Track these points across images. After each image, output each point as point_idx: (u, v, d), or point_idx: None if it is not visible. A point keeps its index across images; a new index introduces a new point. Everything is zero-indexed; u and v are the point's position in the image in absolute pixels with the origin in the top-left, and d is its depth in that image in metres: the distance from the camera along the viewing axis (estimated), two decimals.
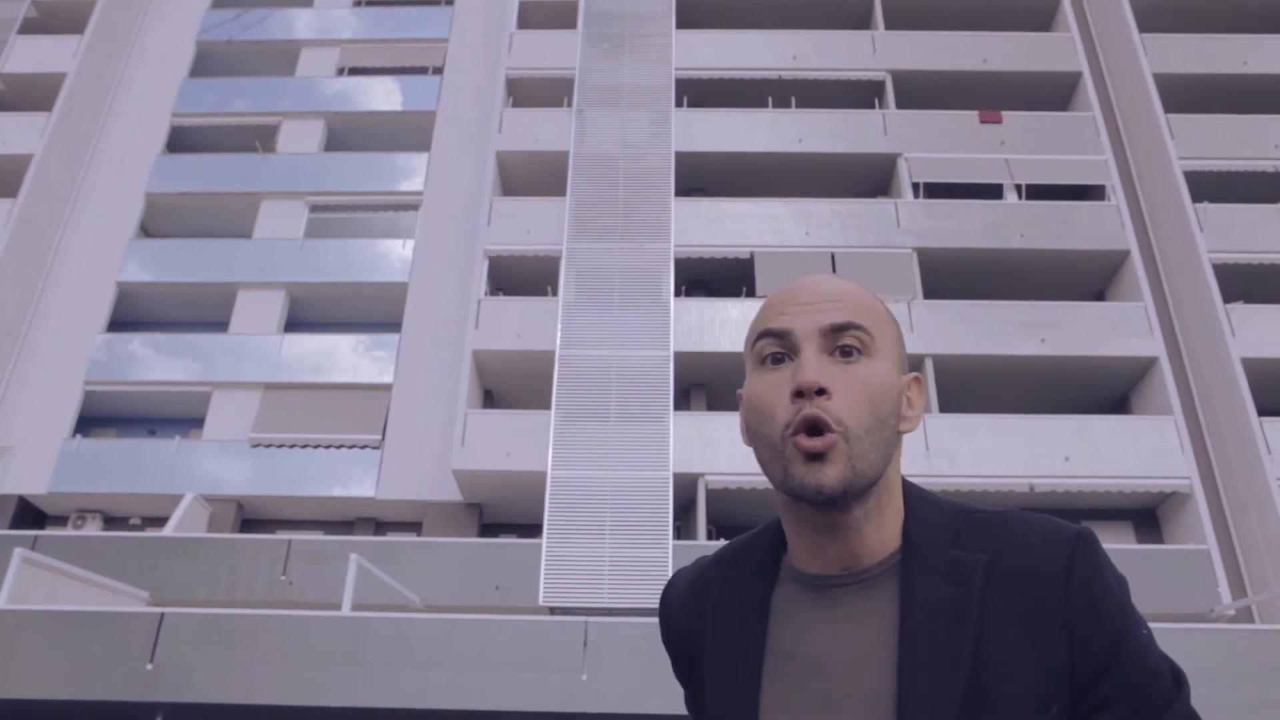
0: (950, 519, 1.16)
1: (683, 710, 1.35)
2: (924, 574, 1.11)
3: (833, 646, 1.12)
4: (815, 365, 1.08)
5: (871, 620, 1.11)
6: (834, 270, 18.26)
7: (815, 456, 1.06)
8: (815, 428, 1.06)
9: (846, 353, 1.10)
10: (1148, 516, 17.27)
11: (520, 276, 19.19)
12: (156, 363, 19.33)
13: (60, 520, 18.30)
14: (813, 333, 1.10)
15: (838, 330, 1.11)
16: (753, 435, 1.14)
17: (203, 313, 20.41)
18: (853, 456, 1.07)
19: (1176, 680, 1.14)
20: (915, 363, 17.47)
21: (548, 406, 16.94)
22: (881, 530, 1.14)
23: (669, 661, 1.32)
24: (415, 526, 17.86)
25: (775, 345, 1.12)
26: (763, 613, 1.17)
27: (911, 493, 1.18)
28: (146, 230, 21.54)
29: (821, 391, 1.07)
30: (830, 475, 1.06)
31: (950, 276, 18.54)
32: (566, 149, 19.69)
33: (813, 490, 1.06)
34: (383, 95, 22.56)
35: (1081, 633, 1.07)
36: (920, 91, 20.86)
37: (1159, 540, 16.91)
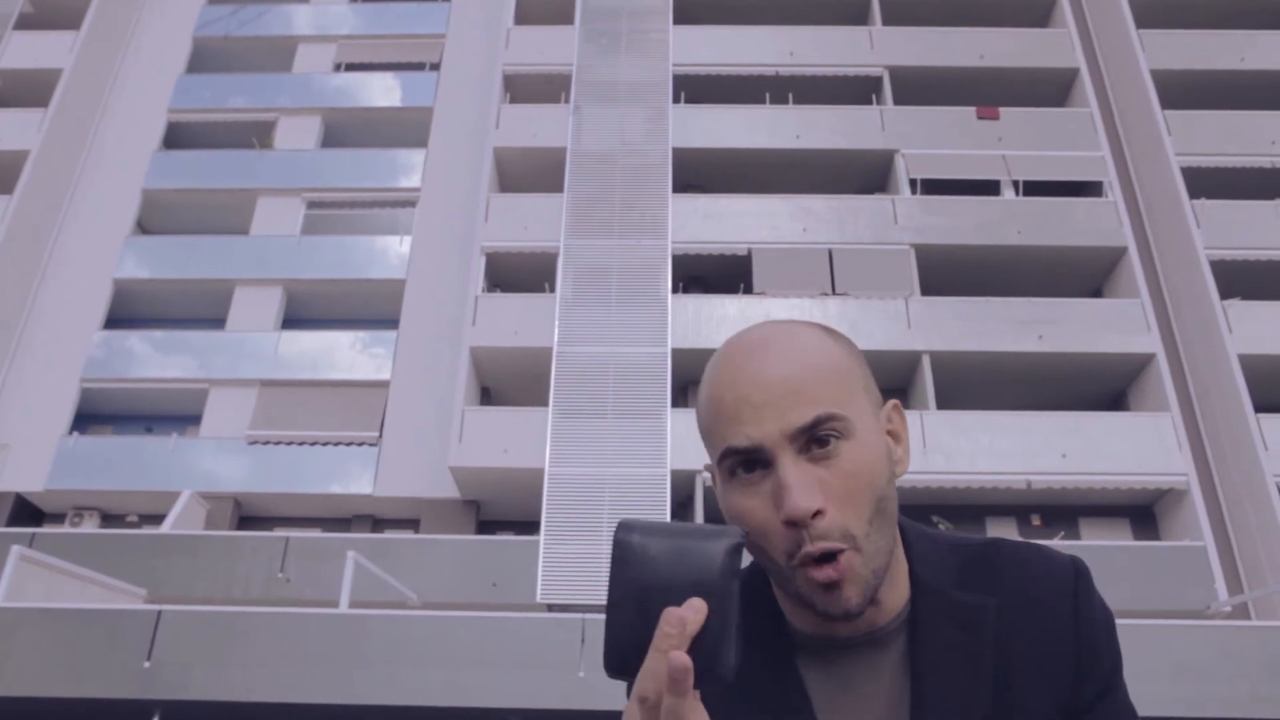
0: (948, 557, 1.11)
1: None
2: (935, 621, 1.06)
3: (853, 713, 1.06)
4: (800, 486, 0.96)
5: (887, 681, 1.07)
6: (831, 267, 18.26)
7: (834, 585, 0.98)
8: (825, 554, 0.98)
9: (824, 443, 0.98)
10: (1144, 513, 17.29)
11: (518, 273, 19.17)
12: (153, 360, 19.31)
13: (57, 518, 18.28)
14: (782, 441, 0.98)
15: (810, 429, 0.98)
16: (751, 550, 1.03)
17: (200, 310, 20.38)
18: (866, 563, 0.99)
19: None
20: (912, 359, 17.48)
21: (545, 403, 16.94)
22: (894, 588, 1.07)
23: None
24: (413, 524, 17.85)
25: (743, 459, 1.00)
26: (802, 693, 1.07)
27: (906, 529, 1.11)
28: (143, 227, 21.51)
29: (817, 514, 0.97)
30: (853, 597, 0.98)
31: (947, 273, 18.54)
32: (564, 145, 19.67)
33: (839, 616, 0.99)
34: (380, 91, 22.52)
35: (1085, 670, 1.05)
36: (918, 88, 20.85)
37: (1156, 537, 16.94)
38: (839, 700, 1.07)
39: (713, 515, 16.21)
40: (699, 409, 1.08)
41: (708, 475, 1.13)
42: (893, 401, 1.10)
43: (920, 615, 1.07)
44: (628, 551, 0.85)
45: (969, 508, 16.65)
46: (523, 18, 22.08)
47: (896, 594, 1.08)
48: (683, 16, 21.65)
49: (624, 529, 0.87)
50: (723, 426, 1.02)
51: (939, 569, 1.10)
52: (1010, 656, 1.04)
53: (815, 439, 0.98)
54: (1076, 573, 1.09)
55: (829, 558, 0.97)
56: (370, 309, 20.12)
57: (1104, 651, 1.06)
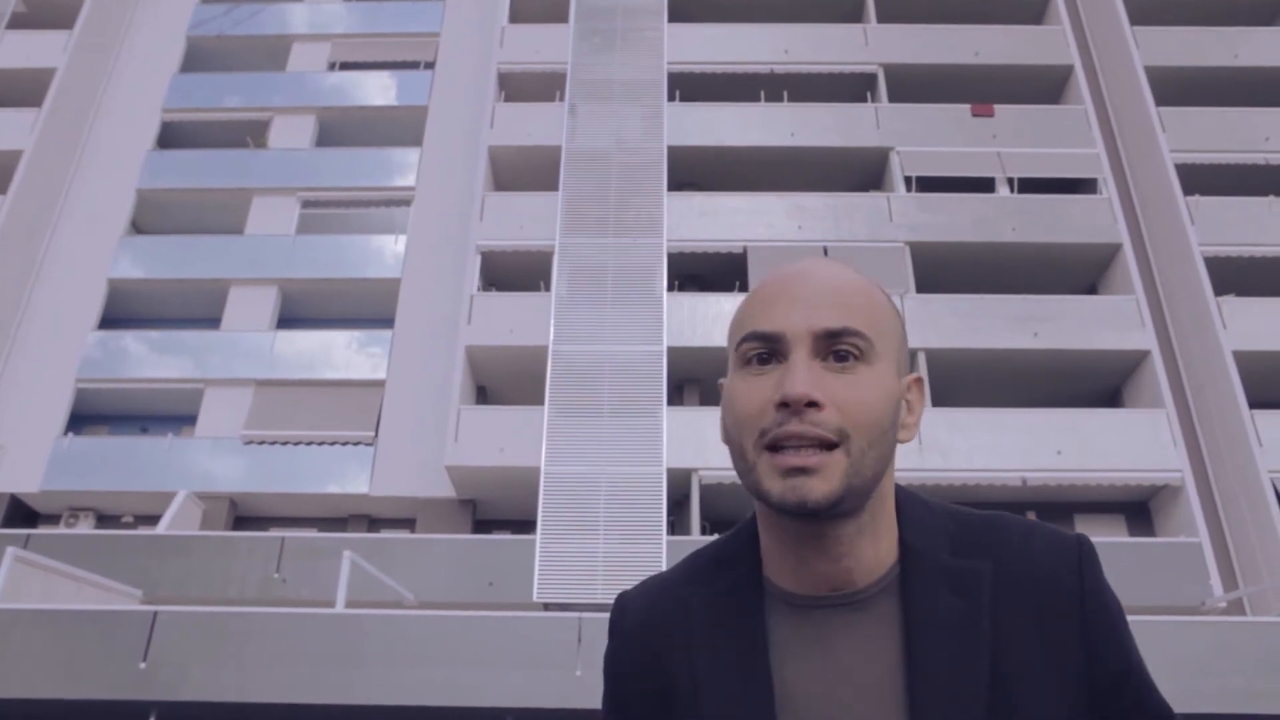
0: (943, 522, 1.09)
1: None
2: (927, 586, 1.03)
3: (831, 676, 1.03)
4: (805, 374, 0.96)
5: (870, 646, 1.03)
6: None
7: (799, 471, 0.95)
8: (805, 444, 0.96)
9: (841, 358, 0.98)
10: (1140, 509, 17.32)
11: (513, 272, 19.16)
12: (148, 360, 19.27)
13: (52, 519, 18.24)
14: (805, 336, 0.98)
15: (833, 335, 0.98)
16: (728, 438, 1.04)
17: (194, 309, 20.33)
18: (849, 471, 0.96)
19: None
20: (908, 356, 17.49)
21: (541, 402, 16.93)
22: (877, 545, 1.04)
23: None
24: (409, 523, 17.83)
25: (762, 346, 1.00)
26: (763, 645, 1.04)
27: (901, 495, 1.09)
28: (138, 227, 21.46)
29: (812, 404, 0.95)
30: (818, 490, 0.95)
31: (942, 270, 18.55)
32: (559, 144, 19.65)
33: (794, 504, 0.96)
34: (374, 90, 22.49)
35: (1097, 646, 1.02)
36: (912, 85, 20.86)
37: (1151, 533, 16.97)
38: (810, 658, 1.04)
39: (709, 515, 16.22)
40: (738, 309, 1.08)
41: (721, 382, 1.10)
42: (915, 375, 1.09)
43: (910, 579, 1.04)
44: None
45: (965, 505, 16.63)
46: (517, 16, 22.06)
47: (881, 552, 1.05)
48: (677, 14, 21.64)
49: None
50: (754, 310, 1.03)
51: (931, 534, 1.07)
52: (1010, 625, 1.01)
53: (836, 351, 0.99)
54: (1080, 545, 1.07)
55: (817, 447, 0.96)
56: (365, 308, 20.09)
57: (1120, 632, 1.04)
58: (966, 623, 1.01)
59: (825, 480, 0.96)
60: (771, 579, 1.08)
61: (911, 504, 1.10)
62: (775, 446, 0.97)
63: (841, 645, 1.03)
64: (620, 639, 1.17)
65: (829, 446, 0.96)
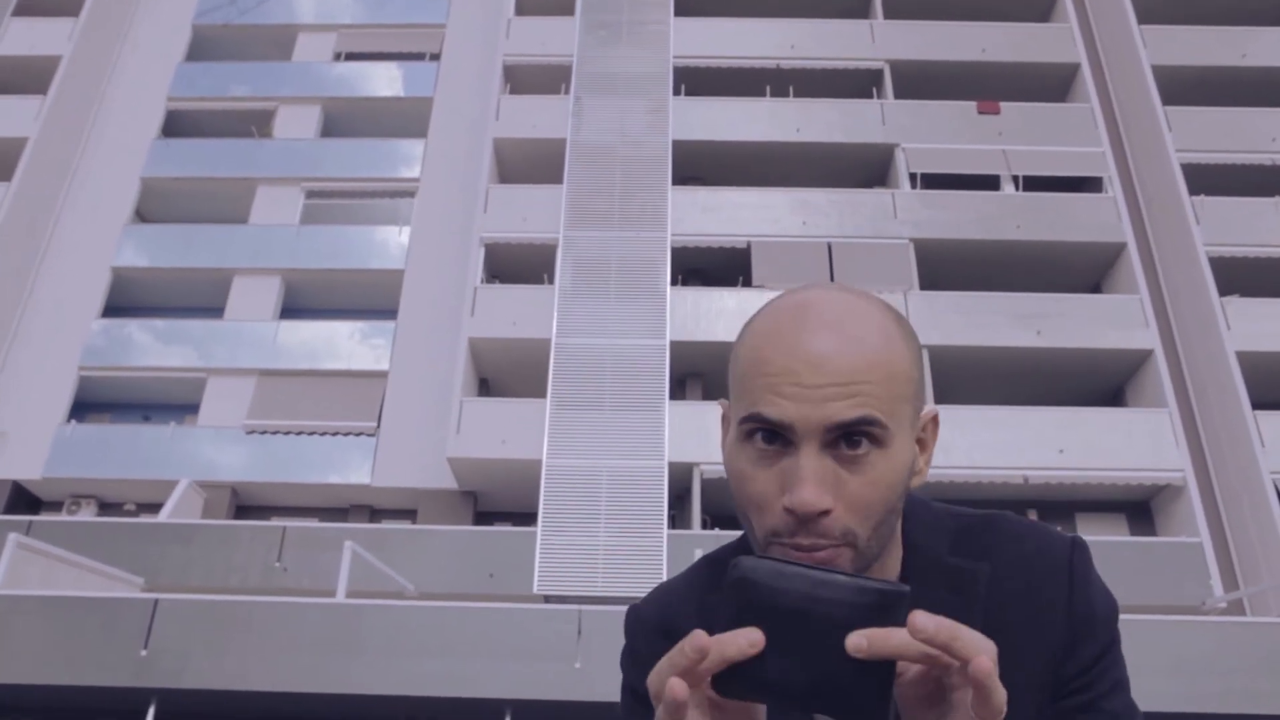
0: (945, 522, 1.10)
1: None
2: (926, 584, 1.05)
3: None
4: (816, 480, 0.91)
5: None
6: (830, 261, 18.23)
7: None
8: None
9: (855, 444, 0.92)
10: (1141, 509, 17.32)
11: (516, 264, 19.15)
12: (151, 348, 19.30)
13: (55, 506, 18.28)
14: (816, 430, 0.91)
15: (847, 426, 0.92)
16: (735, 501, 1.00)
17: (198, 298, 20.35)
18: (856, 559, 0.95)
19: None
20: None
21: (543, 395, 16.94)
22: (884, 566, 1.04)
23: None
24: (410, 514, 17.86)
25: (769, 430, 0.94)
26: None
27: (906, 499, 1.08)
28: (142, 215, 21.47)
29: (824, 513, 0.92)
30: None
31: (946, 267, 18.53)
32: (564, 136, 19.63)
33: None
34: (380, 81, 22.48)
35: (1078, 641, 1.04)
36: (918, 82, 20.82)
37: (1152, 533, 16.96)
38: None
39: (710, 510, 16.24)
40: (738, 353, 1.01)
41: (720, 409, 1.07)
42: (934, 412, 1.05)
43: (913, 578, 1.05)
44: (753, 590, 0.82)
45: (966, 503, 16.62)
46: (523, 9, 22.03)
47: (890, 562, 1.06)
48: (683, 8, 21.60)
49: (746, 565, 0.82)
50: (758, 388, 0.95)
51: (933, 534, 1.09)
52: (1001, 624, 1.00)
53: (847, 437, 0.92)
54: (1074, 548, 1.08)
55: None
56: (369, 299, 20.10)
57: (1100, 626, 1.05)
58: (958, 616, 1.02)
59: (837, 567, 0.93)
60: None
61: (915, 505, 1.10)
62: (788, 545, 0.94)
63: None
64: (638, 637, 1.17)
65: (833, 546, 0.94)
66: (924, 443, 1.03)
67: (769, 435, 0.94)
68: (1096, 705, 1.04)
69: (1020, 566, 1.06)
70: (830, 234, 18.57)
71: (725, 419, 1.04)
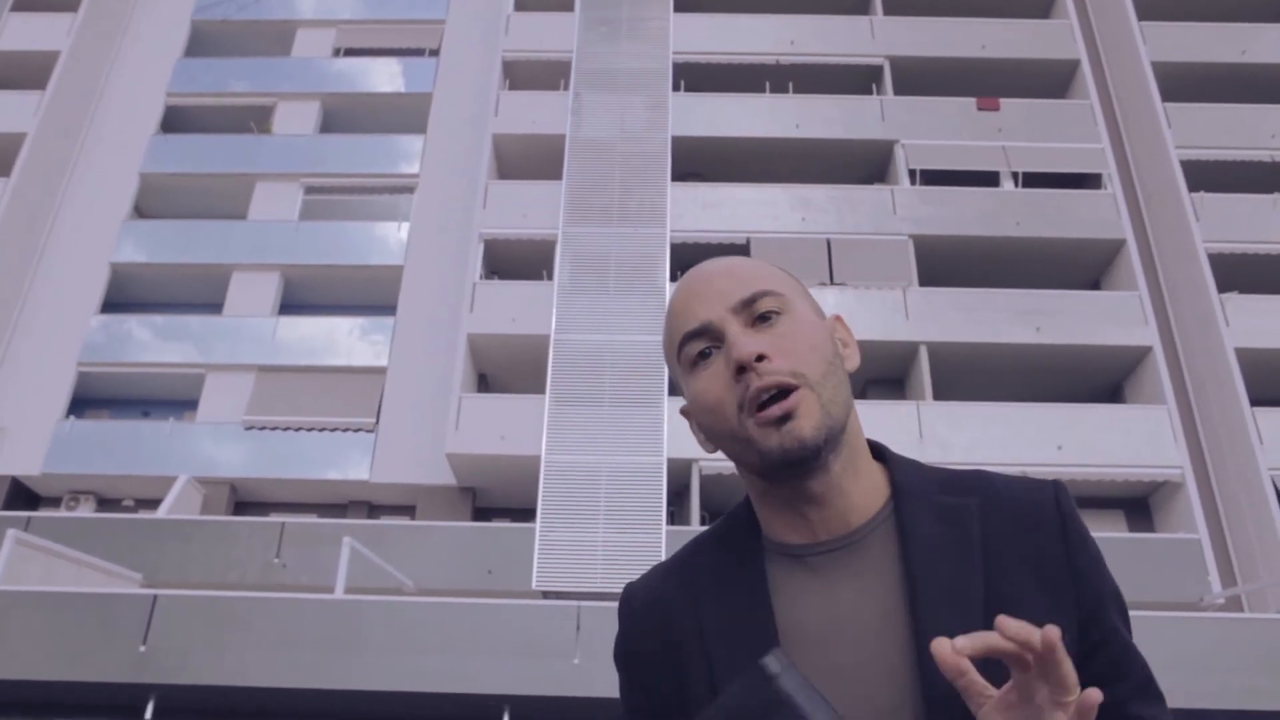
0: (932, 472, 1.16)
1: None
2: (919, 518, 1.09)
3: (835, 617, 1.07)
4: (745, 338, 1.06)
5: (870, 582, 1.07)
6: (829, 257, 18.26)
7: (785, 418, 1.03)
8: (775, 396, 1.04)
9: (765, 318, 1.08)
10: (1139, 506, 17.33)
11: (515, 260, 19.15)
12: (150, 344, 19.29)
13: (53, 501, 18.28)
14: (727, 315, 1.08)
15: (749, 302, 1.08)
16: (711, 435, 1.12)
17: (197, 294, 20.34)
18: (823, 402, 1.05)
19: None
20: (910, 350, 17.50)
21: (542, 391, 16.94)
22: (860, 483, 1.11)
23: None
24: (409, 510, 17.86)
25: (699, 344, 1.09)
26: (764, 591, 1.10)
27: (887, 451, 1.17)
28: (140, 211, 21.45)
29: (761, 358, 1.04)
30: (807, 427, 1.03)
31: (946, 264, 18.53)
32: (563, 132, 19.62)
33: (796, 448, 1.03)
34: (379, 76, 22.45)
35: (1082, 568, 1.09)
36: (918, 78, 20.80)
37: (1150, 529, 16.98)
38: (813, 601, 1.09)
39: (709, 506, 16.25)
40: (664, 332, 1.17)
41: (689, 426, 1.21)
42: (835, 315, 1.18)
43: (904, 513, 1.10)
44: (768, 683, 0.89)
45: None
46: (523, 4, 22.00)
47: (867, 490, 1.12)
48: (683, 4, 21.58)
49: (775, 659, 0.89)
50: (676, 321, 1.12)
51: (921, 479, 1.14)
52: (999, 552, 1.07)
53: (759, 316, 1.08)
54: (1057, 487, 1.14)
55: (781, 395, 1.03)
56: (368, 295, 20.09)
57: (1098, 558, 1.12)
58: (958, 548, 1.07)
59: (808, 415, 1.04)
60: (774, 539, 1.14)
61: (900, 457, 1.18)
62: (755, 408, 1.05)
63: (842, 585, 1.09)
64: (630, 619, 1.21)
65: (789, 390, 1.04)
66: (844, 339, 1.16)
67: (704, 352, 1.09)
68: (1109, 621, 1.10)
69: (1008, 500, 1.11)
70: (829, 230, 18.56)
71: (686, 413, 1.16)
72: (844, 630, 1.06)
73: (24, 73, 22.02)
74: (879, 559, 1.08)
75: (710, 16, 21.34)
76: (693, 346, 1.10)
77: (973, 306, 17.68)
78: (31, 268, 19.95)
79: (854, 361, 1.14)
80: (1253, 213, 18.41)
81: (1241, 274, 17.86)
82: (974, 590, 1.04)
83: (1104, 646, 1.07)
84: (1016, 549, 1.07)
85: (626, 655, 1.21)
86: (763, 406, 1.04)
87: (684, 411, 1.16)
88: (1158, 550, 15.28)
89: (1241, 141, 19.32)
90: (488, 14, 22.53)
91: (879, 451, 1.18)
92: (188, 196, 21.38)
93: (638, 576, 1.24)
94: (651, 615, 1.18)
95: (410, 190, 20.89)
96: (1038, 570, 1.07)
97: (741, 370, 1.05)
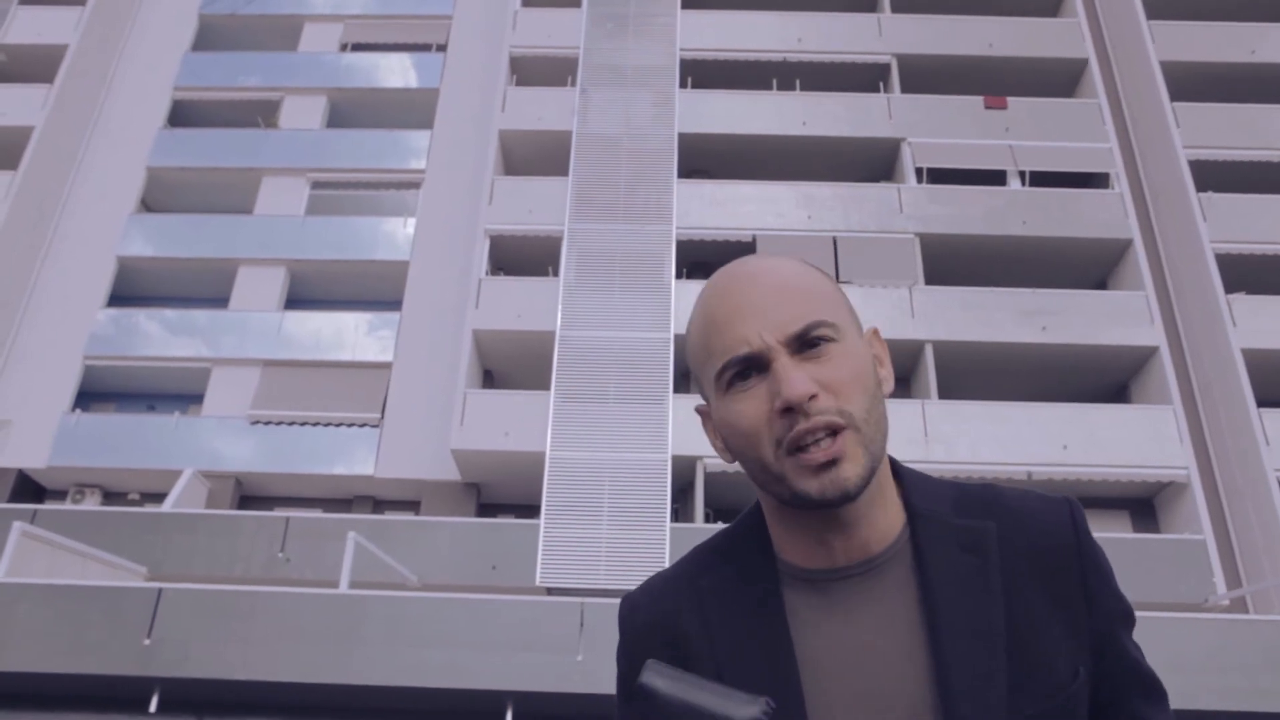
0: (944, 489, 1.13)
1: None
2: (938, 546, 1.07)
3: (854, 646, 1.05)
4: (797, 375, 1.00)
5: (890, 608, 1.06)
6: (835, 255, 18.23)
7: (828, 464, 0.99)
8: (821, 435, 1.00)
9: (814, 345, 1.03)
10: (1144, 506, 17.30)
11: (521, 256, 19.15)
12: (156, 338, 19.32)
13: (59, 494, 18.33)
14: (778, 346, 1.02)
15: (802, 334, 1.03)
16: (738, 456, 1.07)
17: (203, 289, 20.38)
18: (866, 443, 1.01)
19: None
20: (915, 348, 17.48)
21: (547, 387, 16.94)
22: (886, 511, 1.08)
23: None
24: (413, 505, 17.89)
25: (740, 366, 1.04)
26: (782, 621, 1.07)
27: (900, 467, 1.14)
28: (147, 205, 21.48)
29: (811, 397, 0.99)
30: (851, 474, 1.00)
31: (952, 262, 18.50)
32: (569, 129, 19.61)
33: (837, 497, 1.00)
34: (386, 72, 22.46)
35: (1095, 592, 1.08)
36: (925, 76, 20.76)
37: (1155, 530, 16.95)
38: (832, 629, 1.07)
39: (713, 503, 16.25)
40: (691, 335, 1.11)
41: (701, 420, 1.17)
42: (872, 328, 1.15)
43: (922, 539, 1.08)
44: (653, 699, 0.87)
45: None
46: (530, 0, 21.99)
47: (889, 520, 1.09)
48: (690, 1, 21.56)
49: (651, 672, 0.88)
50: (719, 339, 1.06)
51: (934, 499, 1.12)
52: (1017, 579, 1.06)
53: (808, 342, 1.03)
54: (1072, 505, 1.13)
55: (831, 434, 1.00)
56: (374, 290, 20.11)
57: (1111, 580, 1.11)
58: (979, 577, 1.06)
59: (853, 462, 1.00)
60: (788, 560, 1.11)
61: (909, 471, 1.15)
62: (796, 448, 1.00)
63: (861, 612, 1.07)
64: (633, 632, 1.17)
65: (837, 430, 1.00)
66: (879, 358, 1.12)
67: (744, 374, 1.04)
68: (1120, 642, 1.10)
69: (1025, 523, 1.09)
70: (836, 228, 18.54)
71: (705, 414, 1.12)
72: (864, 661, 1.04)
73: (32, 66, 22.06)
74: (898, 587, 1.07)
75: (717, 13, 21.31)
76: (734, 370, 1.04)
77: (979, 305, 17.65)
78: (38, 261, 20.00)
79: (889, 385, 1.11)
80: (1260, 213, 18.36)
81: (1249, 274, 17.80)
82: (995, 622, 1.03)
83: (1116, 667, 1.08)
84: (1034, 572, 1.06)
85: (631, 666, 1.14)
86: (804, 447, 1.00)
87: (702, 412, 1.12)
88: (1163, 551, 15.26)
89: (1250, 141, 19.26)
90: (495, 9, 22.52)
91: (892, 466, 1.14)
92: (194, 191, 21.41)
93: (635, 588, 1.21)
94: (655, 636, 1.14)
95: (416, 186, 20.90)
96: (1053, 591, 1.06)
97: (789, 409, 1.00)
